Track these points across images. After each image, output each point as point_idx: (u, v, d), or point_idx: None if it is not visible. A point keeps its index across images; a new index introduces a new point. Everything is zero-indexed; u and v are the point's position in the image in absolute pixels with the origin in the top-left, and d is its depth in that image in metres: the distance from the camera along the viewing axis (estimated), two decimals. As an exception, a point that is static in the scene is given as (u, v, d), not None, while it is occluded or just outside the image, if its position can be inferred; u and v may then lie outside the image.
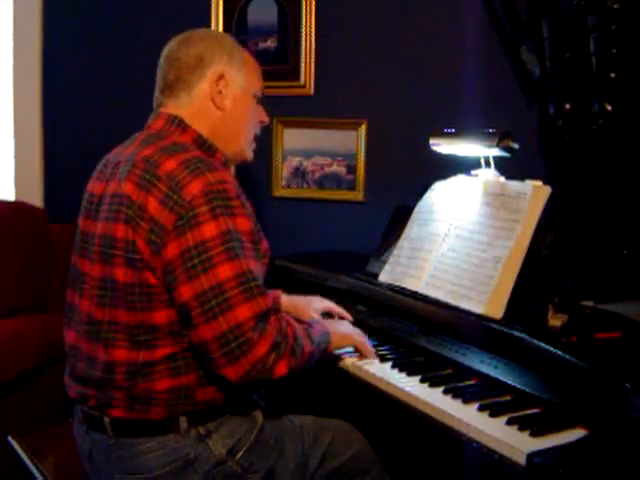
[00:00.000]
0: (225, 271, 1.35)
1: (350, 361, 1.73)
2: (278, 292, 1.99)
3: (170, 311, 1.40)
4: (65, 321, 1.58)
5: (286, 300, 1.99)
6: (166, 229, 1.36)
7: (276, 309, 1.92)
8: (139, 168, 1.44)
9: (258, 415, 1.55)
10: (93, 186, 1.57)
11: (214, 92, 1.57)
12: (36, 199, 3.02)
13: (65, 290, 1.60)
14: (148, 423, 1.44)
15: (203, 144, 1.54)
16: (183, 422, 1.44)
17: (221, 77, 1.57)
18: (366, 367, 1.69)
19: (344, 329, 1.75)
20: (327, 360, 1.70)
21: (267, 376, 1.39)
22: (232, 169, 2.76)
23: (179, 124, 1.54)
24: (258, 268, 1.42)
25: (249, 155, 1.69)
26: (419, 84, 2.60)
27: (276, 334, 1.40)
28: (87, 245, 1.51)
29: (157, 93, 1.61)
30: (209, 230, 1.36)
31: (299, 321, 1.56)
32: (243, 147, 1.66)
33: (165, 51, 1.61)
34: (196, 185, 1.37)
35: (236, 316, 1.35)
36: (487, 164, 1.92)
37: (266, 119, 1.72)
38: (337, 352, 1.74)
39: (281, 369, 1.40)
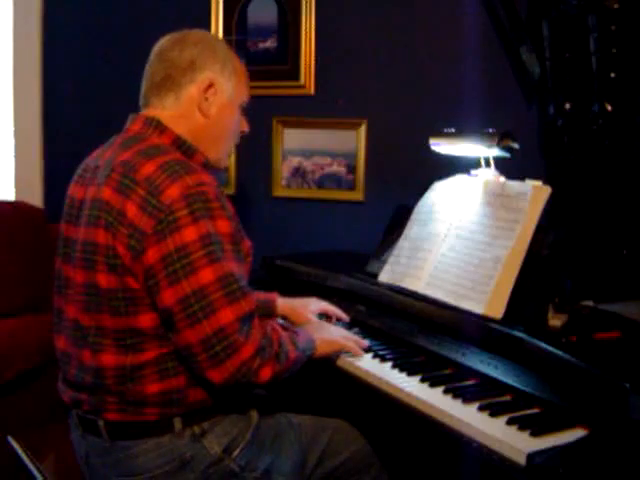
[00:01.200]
0: (207, 275, 1.34)
1: (349, 361, 1.73)
2: (274, 295, 1.99)
3: (155, 314, 1.39)
4: (54, 327, 1.57)
5: (282, 303, 1.98)
6: (146, 234, 1.35)
7: (269, 314, 1.92)
8: (117, 173, 1.42)
9: (253, 414, 1.55)
10: (73, 191, 1.56)
11: (201, 99, 1.55)
12: (36, 199, 3.02)
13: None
14: (143, 425, 1.44)
15: (182, 145, 1.52)
16: (177, 423, 1.44)
17: (211, 85, 1.55)
18: (366, 367, 1.69)
19: (330, 335, 1.73)
20: (322, 362, 1.70)
21: (252, 380, 1.39)
22: (232, 169, 2.77)
23: (157, 126, 1.51)
24: (240, 270, 1.41)
25: (224, 164, 1.67)
26: (419, 84, 2.60)
27: (261, 338, 1.40)
28: (70, 251, 1.51)
29: (145, 90, 1.58)
30: (189, 234, 1.34)
31: (285, 328, 1.56)
32: (220, 155, 1.63)
33: (157, 48, 1.58)
34: (175, 189, 1.36)
35: (220, 319, 1.34)
36: (487, 164, 1.92)
37: (247, 129, 1.70)
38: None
39: (265, 374, 1.40)
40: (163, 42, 1.59)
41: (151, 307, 1.39)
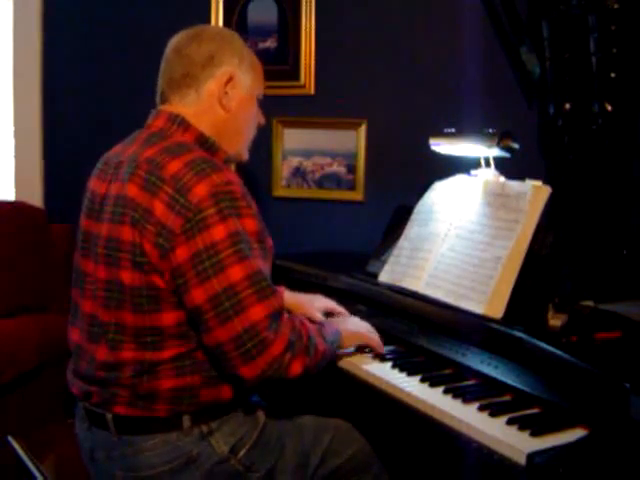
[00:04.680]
0: (237, 272, 1.35)
1: (350, 361, 1.73)
2: (281, 288, 1.99)
3: (178, 313, 1.40)
4: (70, 319, 1.58)
5: (289, 297, 1.98)
6: (174, 233, 1.35)
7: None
8: (143, 170, 1.42)
9: (260, 414, 1.55)
10: (95, 185, 1.55)
11: (221, 93, 1.56)
12: (36, 199, 3.02)
13: (66, 289, 1.60)
14: (151, 420, 1.44)
15: (205, 142, 1.53)
16: (186, 420, 1.44)
17: (230, 79, 1.56)
18: (366, 367, 1.69)
19: (354, 327, 1.75)
20: (334, 365, 1.70)
21: (283, 375, 1.40)
22: (232, 168, 2.77)
23: (181, 123, 1.52)
24: (266, 267, 1.43)
25: (245, 156, 1.69)
26: (419, 84, 2.60)
27: (290, 333, 1.41)
28: (90, 245, 1.51)
29: (163, 87, 1.58)
30: (218, 232, 1.35)
31: (311, 321, 1.56)
32: (241, 148, 1.66)
33: (174, 44, 1.58)
34: (202, 187, 1.36)
35: (250, 317, 1.35)
36: (487, 164, 1.92)
37: (263, 121, 1.71)
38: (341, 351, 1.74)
39: (296, 368, 1.41)
40: (179, 38, 1.59)
41: (174, 306, 1.39)
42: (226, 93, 1.56)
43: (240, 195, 1.40)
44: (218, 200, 1.36)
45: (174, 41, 1.59)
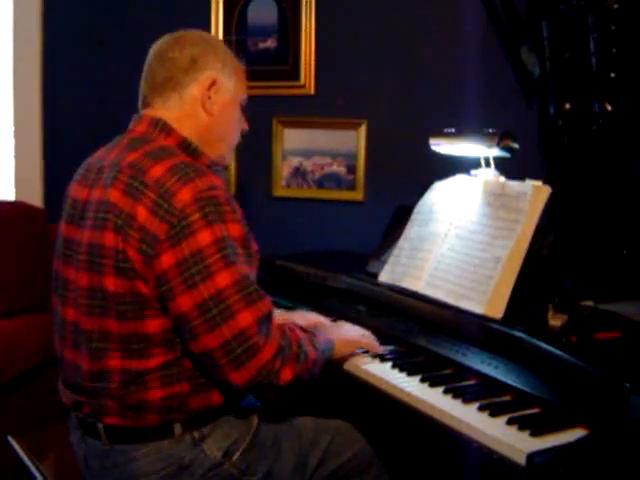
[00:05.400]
0: (224, 278, 1.33)
1: (350, 361, 1.73)
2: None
3: (163, 320, 1.38)
4: (54, 328, 1.56)
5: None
6: (158, 239, 1.33)
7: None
8: (125, 174, 1.40)
9: (253, 417, 1.54)
10: (76, 191, 1.53)
11: (204, 97, 1.54)
12: (36, 199, 3.02)
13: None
14: (142, 430, 1.43)
15: (188, 147, 1.50)
16: (177, 428, 1.43)
17: (213, 83, 1.55)
18: (366, 367, 1.69)
19: (348, 334, 1.73)
20: (333, 366, 1.70)
21: (273, 381, 1.39)
22: (232, 169, 2.77)
23: (163, 127, 1.50)
24: (252, 272, 1.41)
25: (229, 161, 1.68)
26: (419, 84, 2.61)
27: (280, 339, 1.40)
28: (72, 252, 1.49)
29: (145, 90, 1.57)
30: (204, 238, 1.33)
31: (303, 329, 1.55)
32: (225, 153, 1.63)
33: (156, 48, 1.57)
34: (186, 192, 1.34)
35: (239, 322, 1.33)
36: (487, 164, 1.92)
37: (246, 127, 1.69)
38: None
39: (286, 375, 1.40)
40: (161, 43, 1.58)
41: (159, 313, 1.37)
42: (209, 98, 1.54)
43: (224, 200, 1.38)
44: (202, 205, 1.34)
45: (157, 45, 1.58)
